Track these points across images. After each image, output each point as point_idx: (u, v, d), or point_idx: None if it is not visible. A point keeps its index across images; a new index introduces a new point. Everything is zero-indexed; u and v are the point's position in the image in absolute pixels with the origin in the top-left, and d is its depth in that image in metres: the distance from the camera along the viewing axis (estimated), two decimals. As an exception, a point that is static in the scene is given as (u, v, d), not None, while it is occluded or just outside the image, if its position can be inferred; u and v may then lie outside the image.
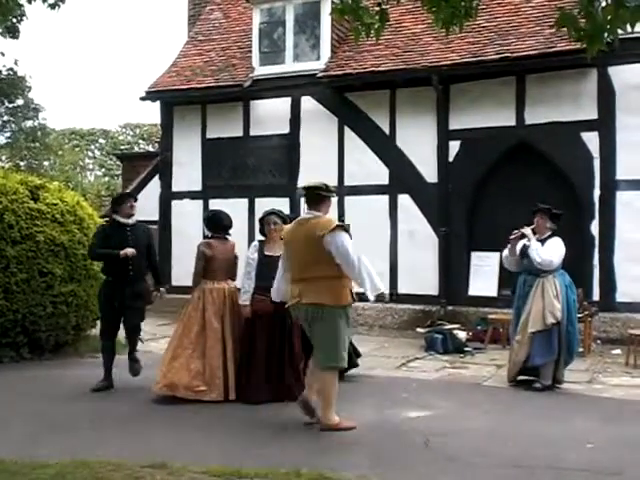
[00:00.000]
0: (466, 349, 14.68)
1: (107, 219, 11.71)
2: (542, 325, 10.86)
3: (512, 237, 11.41)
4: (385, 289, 9.18)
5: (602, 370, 12.96)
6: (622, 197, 15.82)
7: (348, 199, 18.22)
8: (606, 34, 5.88)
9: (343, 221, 9.24)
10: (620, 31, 5.87)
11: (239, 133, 20.09)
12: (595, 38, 5.85)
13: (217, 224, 10.79)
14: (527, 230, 11.22)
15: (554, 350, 10.91)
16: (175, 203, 20.81)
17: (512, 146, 16.93)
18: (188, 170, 20.56)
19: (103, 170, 56.78)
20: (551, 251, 11.00)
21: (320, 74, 18.50)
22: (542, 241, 11.09)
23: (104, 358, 11.00)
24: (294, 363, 10.18)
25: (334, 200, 17.97)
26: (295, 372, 10.16)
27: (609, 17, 5.74)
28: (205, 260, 10.41)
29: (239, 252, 10.85)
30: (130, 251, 10.58)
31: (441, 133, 17.54)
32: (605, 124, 15.97)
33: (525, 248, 11.20)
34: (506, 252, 11.66)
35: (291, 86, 19.23)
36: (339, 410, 9.07)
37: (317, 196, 9.18)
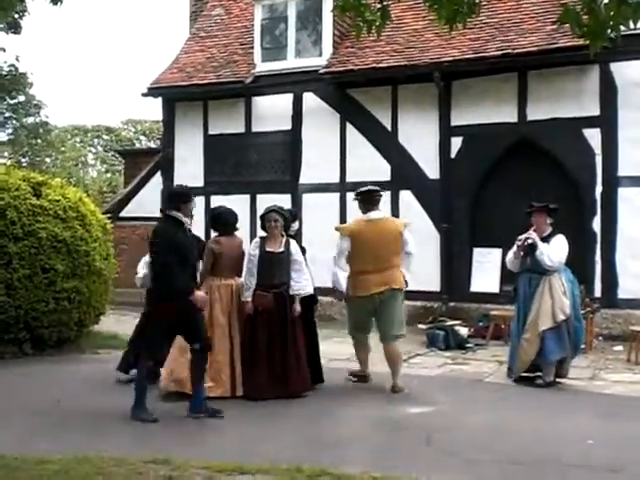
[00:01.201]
0: (468, 345, 14.71)
1: (163, 218, 9.57)
2: (552, 322, 10.86)
3: (519, 244, 11.37)
4: None
5: (604, 366, 12.97)
6: (624, 193, 15.82)
7: (350, 195, 18.18)
8: (609, 30, 5.88)
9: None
10: (623, 27, 5.87)
11: (241, 129, 20.10)
12: (598, 34, 5.85)
13: (220, 222, 10.75)
14: (532, 234, 11.19)
15: (566, 345, 10.96)
16: (177, 199, 20.76)
17: (514, 142, 16.93)
18: (190, 166, 20.55)
19: (105, 166, 56.72)
20: (560, 252, 11.01)
21: (322, 70, 18.51)
22: (545, 239, 11.09)
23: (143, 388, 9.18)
24: (298, 359, 10.19)
25: (337, 196, 18.11)
26: (299, 368, 10.18)
27: (612, 13, 5.74)
28: (213, 257, 10.40)
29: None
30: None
31: (443, 129, 17.55)
32: (607, 120, 15.96)
33: (530, 248, 11.17)
34: (510, 255, 11.63)
35: (293, 82, 19.24)
36: (343, 405, 9.16)
37: (379, 198, 11.09)
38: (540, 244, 11.02)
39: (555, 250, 11.00)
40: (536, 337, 10.99)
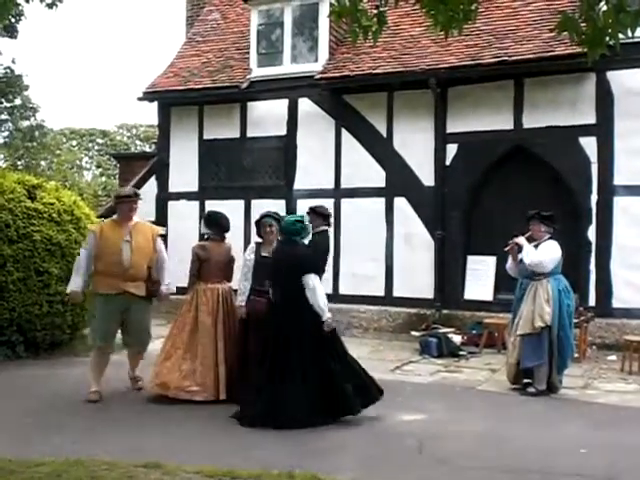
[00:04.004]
0: (461, 353, 14.69)
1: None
2: (530, 328, 10.87)
3: (507, 248, 11.46)
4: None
5: (597, 376, 12.96)
6: (620, 202, 15.80)
7: (344, 201, 18.22)
8: (607, 38, 5.87)
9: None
10: (621, 35, 5.87)
11: (236, 134, 20.07)
12: (596, 42, 5.84)
13: (214, 222, 10.81)
14: (520, 239, 11.25)
15: (543, 354, 10.89)
16: (171, 204, 20.78)
17: (509, 150, 16.91)
18: (185, 171, 20.53)
19: (100, 170, 56.74)
20: (542, 253, 11.00)
21: (318, 76, 18.49)
22: (539, 245, 11.11)
23: None
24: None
25: (331, 202, 18.06)
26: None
27: (610, 21, 5.73)
28: (199, 262, 10.43)
29: (235, 253, 10.86)
30: None
31: (438, 136, 17.52)
32: (603, 129, 15.95)
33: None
34: (509, 263, 11.72)
35: (288, 88, 19.21)
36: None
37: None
38: (525, 246, 11.10)
39: (537, 252, 11.01)
40: (518, 342, 11.03)
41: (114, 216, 10.71)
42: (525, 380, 11.32)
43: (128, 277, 10.30)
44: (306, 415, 9.02)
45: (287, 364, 9.21)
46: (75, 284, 10.44)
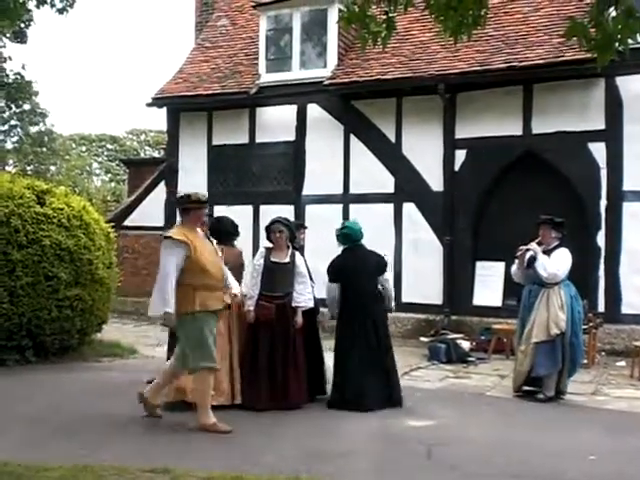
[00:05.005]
0: (469, 359, 14.66)
1: None
2: (546, 335, 10.82)
3: (518, 254, 11.41)
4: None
5: (606, 382, 12.92)
6: (629, 208, 15.78)
7: (353, 207, 18.22)
8: (617, 44, 5.87)
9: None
10: (630, 41, 5.86)
11: (245, 140, 20.11)
12: (606, 48, 5.84)
13: (219, 231, 10.83)
14: (532, 245, 11.20)
15: (558, 361, 10.87)
16: (180, 209, 20.76)
17: (518, 155, 16.91)
18: (193, 176, 20.54)
19: (109, 175, 56.84)
20: (557, 264, 10.94)
21: (326, 82, 18.52)
22: (549, 251, 11.06)
23: None
24: (297, 370, 10.17)
25: (340, 208, 18.06)
26: (298, 379, 10.15)
27: (619, 27, 5.73)
28: (211, 266, 10.39)
29: (244, 259, 10.88)
30: None
31: (447, 142, 17.54)
32: (612, 134, 15.94)
33: (532, 260, 11.16)
34: (514, 268, 11.66)
35: (297, 93, 19.26)
36: (343, 417, 9.17)
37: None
38: (540, 255, 11.03)
39: (552, 262, 10.96)
40: (531, 349, 10.97)
41: (179, 223, 9.76)
42: (526, 388, 11.30)
43: (225, 289, 9.38)
44: (385, 398, 10.36)
45: (373, 349, 10.46)
46: (169, 304, 8.74)
